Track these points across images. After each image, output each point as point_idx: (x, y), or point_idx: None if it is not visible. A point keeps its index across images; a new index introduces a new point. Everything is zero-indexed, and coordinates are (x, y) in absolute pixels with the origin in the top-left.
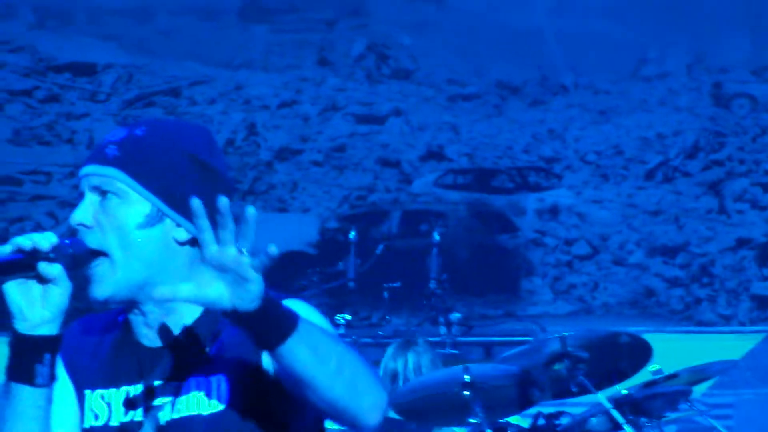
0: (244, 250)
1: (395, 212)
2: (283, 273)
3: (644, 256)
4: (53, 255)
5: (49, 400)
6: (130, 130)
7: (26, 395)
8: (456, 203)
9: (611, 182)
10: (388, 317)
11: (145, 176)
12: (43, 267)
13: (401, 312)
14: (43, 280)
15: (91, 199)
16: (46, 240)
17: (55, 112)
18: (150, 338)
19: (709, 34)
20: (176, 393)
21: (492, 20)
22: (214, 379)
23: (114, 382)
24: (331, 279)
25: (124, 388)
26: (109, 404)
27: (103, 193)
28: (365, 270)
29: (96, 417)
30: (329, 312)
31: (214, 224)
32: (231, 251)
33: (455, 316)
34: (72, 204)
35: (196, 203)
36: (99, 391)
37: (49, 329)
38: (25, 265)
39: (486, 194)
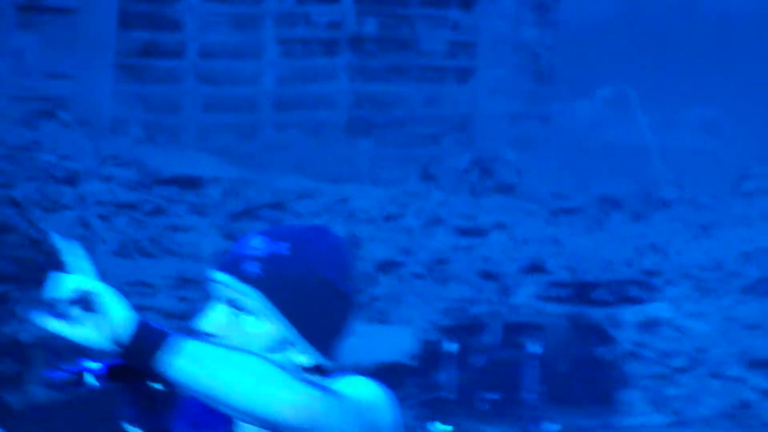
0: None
1: (496, 324)
2: (384, 384)
3: (742, 370)
4: None
5: None
6: (271, 245)
7: None
8: (556, 316)
9: (711, 296)
10: (482, 429)
11: (285, 302)
12: None
13: (500, 423)
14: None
15: (222, 309)
16: None
17: (160, 224)
18: None
19: None
20: None
21: (595, 136)
22: None
23: None
24: (430, 390)
25: None
26: None
27: (237, 309)
28: (465, 381)
29: None
30: (428, 421)
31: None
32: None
33: (553, 428)
34: (175, 315)
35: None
36: None
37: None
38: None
39: (585, 307)
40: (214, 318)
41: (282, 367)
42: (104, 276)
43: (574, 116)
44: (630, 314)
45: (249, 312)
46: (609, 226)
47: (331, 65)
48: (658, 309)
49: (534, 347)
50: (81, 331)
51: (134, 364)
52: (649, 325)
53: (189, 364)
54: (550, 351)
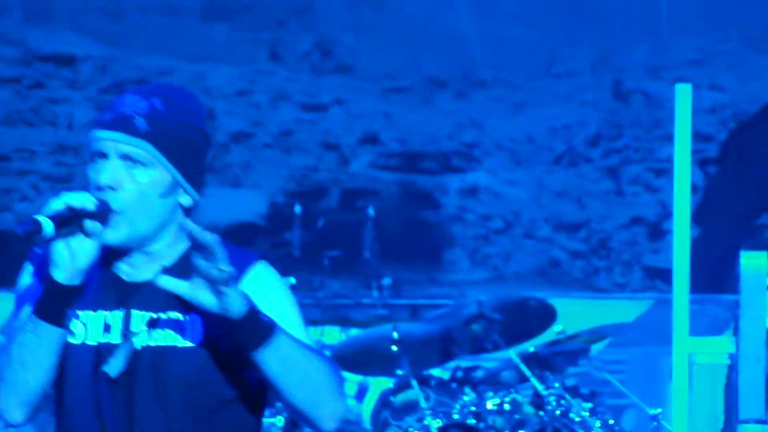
0: (224, 269)
1: (335, 190)
2: (238, 241)
3: (551, 232)
4: (95, 213)
5: (65, 336)
6: (150, 103)
7: (53, 333)
8: (388, 183)
9: (523, 166)
10: (327, 281)
11: (171, 151)
12: (90, 224)
13: (339, 277)
14: (85, 234)
15: (116, 163)
16: (90, 200)
17: (39, 97)
18: (129, 274)
19: (611, 37)
20: (152, 325)
21: (422, 23)
22: (189, 318)
23: (90, 306)
24: (278, 248)
25: (101, 312)
26: (85, 324)
27: (131, 160)
28: (309, 240)
29: (72, 335)
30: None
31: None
32: (213, 270)
33: (386, 281)
34: (54, 178)
35: (187, 224)
36: (75, 311)
37: (80, 279)
38: (74, 221)
39: (414, 175)
40: (111, 172)
41: (333, 370)
42: None
43: (403, 4)
44: (453, 182)
45: (141, 163)
46: (434, 103)
47: None
48: (477, 177)
49: (369, 210)
50: (202, 294)
51: (233, 339)
52: (470, 192)
53: (276, 358)
54: (383, 214)
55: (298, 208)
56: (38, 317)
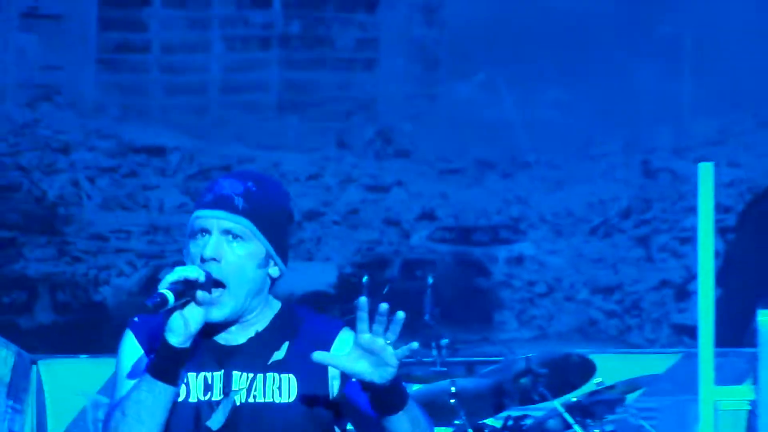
0: (389, 342)
1: (397, 261)
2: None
3: (588, 294)
4: (204, 284)
5: (177, 394)
6: (245, 185)
7: (166, 392)
8: (444, 254)
9: (564, 237)
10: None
11: (266, 227)
12: (200, 294)
13: (402, 338)
14: (197, 303)
15: (218, 238)
16: (199, 273)
17: (134, 184)
18: (226, 339)
19: (639, 122)
20: (251, 384)
21: (472, 112)
22: (285, 378)
23: (192, 369)
24: (348, 313)
25: (203, 374)
26: (187, 384)
27: (233, 235)
28: (375, 306)
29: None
30: None
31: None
32: (380, 341)
33: (444, 341)
34: (146, 255)
35: (362, 302)
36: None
37: (190, 343)
38: (188, 291)
39: (467, 246)
40: (215, 246)
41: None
42: (91, 224)
43: (455, 96)
44: (501, 252)
45: (240, 237)
46: (484, 182)
47: (265, 57)
48: (523, 247)
49: (428, 279)
50: (360, 365)
51: (377, 399)
52: (517, 260)
53: (407, 419)
54: (440, 282)
55: (365, 278)
56: (154, 377)
